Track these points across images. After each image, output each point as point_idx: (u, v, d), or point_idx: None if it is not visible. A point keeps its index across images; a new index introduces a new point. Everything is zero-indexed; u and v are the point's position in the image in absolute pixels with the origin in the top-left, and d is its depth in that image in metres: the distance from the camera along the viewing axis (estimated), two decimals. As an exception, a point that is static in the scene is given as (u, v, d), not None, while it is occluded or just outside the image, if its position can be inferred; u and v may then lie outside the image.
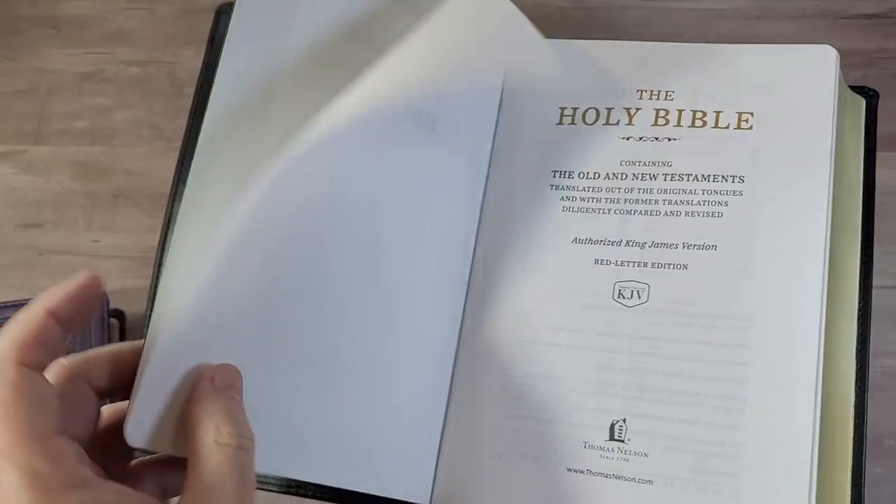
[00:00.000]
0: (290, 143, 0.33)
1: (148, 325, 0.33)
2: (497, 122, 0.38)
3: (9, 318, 0.43)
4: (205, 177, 0.34)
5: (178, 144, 0.53)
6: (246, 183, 0.33)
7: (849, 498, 0.32)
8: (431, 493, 0.34)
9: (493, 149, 0.37)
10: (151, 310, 0.34)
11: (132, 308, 0.48)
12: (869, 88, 0.38)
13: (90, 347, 0.43)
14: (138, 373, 0.30)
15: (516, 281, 0.35)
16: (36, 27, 0.55)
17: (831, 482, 0.32)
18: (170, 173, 0.52)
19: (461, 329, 0.36)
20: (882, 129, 0.51)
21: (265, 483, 0.35)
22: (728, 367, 0.32)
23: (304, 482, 0.34)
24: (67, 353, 0.30)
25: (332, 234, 0.34)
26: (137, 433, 0.30)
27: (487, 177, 0.37)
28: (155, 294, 0.37)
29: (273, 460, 0.32)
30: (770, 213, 0.34)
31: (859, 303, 0.35)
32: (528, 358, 0.34)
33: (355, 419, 0.33)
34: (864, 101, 0.37)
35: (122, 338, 0.47)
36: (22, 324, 0.28)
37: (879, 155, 0.50)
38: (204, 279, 0.31)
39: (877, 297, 0.48)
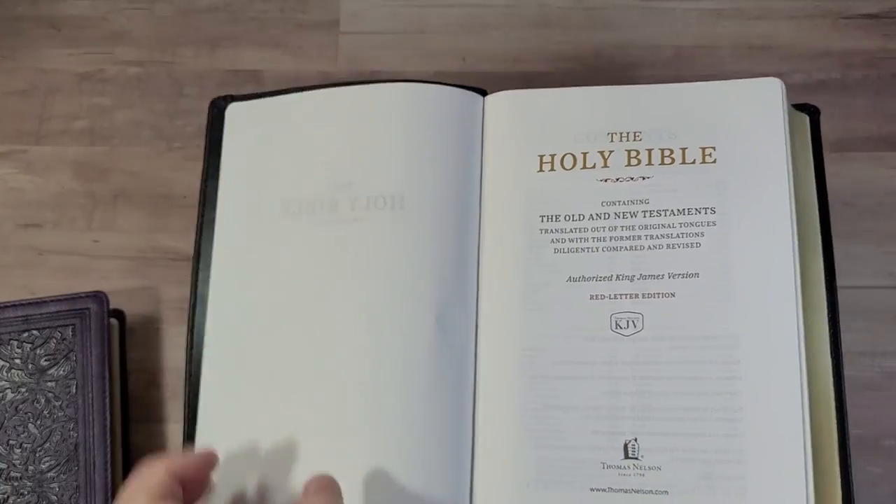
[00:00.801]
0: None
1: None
2: (480, 178, 0.41)
3: (7, 318, 0.44)
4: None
5: (177, 144, 0.53)
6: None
7: (839, 484, 0.35)
8: None
9: (480, 203, 0.41)
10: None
11: (132, 308, 0.48)
12: (811, 105, 0.41)
13: (90, 347, 0.44)
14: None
15: (520, 322, 0.38)
16: (35, 27, 0.55)
17: (821, 472, 0.35)
18: (170, 173, 0.52)
19: (475, 372, 0.39)
20: (883, 129, 0.51)
21: None
22: (722, 382, 0.35)
23: None
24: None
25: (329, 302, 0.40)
26: None
27: (479, 230, 0.40)
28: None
29: None
30: (742, 238, 0.37)
31: (828, 305, 0.38)
32: (542, 391, 0.37)
33: (389, 469, 0.37)
34: (807, 118, 0.41)
35: (122, 337, 0.47)
36: (149, 477, 0.32)
37: (880, 155, 0.51)
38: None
39: (877, 296, 0.48)
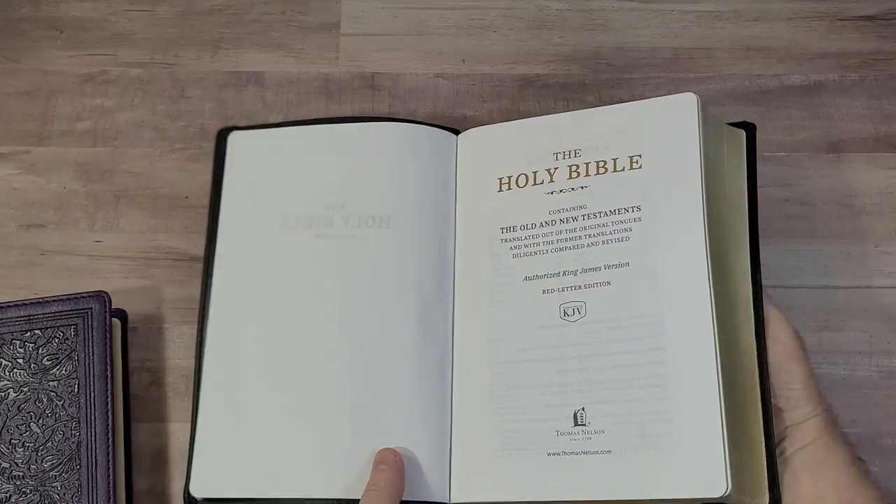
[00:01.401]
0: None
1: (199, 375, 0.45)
2: (455, 202, 0.48)
3: (10, 318, 0.44)
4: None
5: (179, 145, 0.53)
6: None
7: (763, 448, 0.40)
8: (449, 492, 0.43)
9: (455, 220, 0.48)
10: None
11: (134, 308, 0.49)
12: (749, 123, 0.46)
13: (92, 347, 0.44)
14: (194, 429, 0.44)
15: (486, 317, 0.45)
16: (38, 29, 0.56)
17: (748, 436, 0.40)
18: (171, 174, 0.53)
19: (453, 359, 0.45)
20: (880, 130, 0.52)
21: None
22: (651, 354, 0.41)
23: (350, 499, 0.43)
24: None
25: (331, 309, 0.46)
26: (203, 485, 0.43)
27: (455, 241, 0.48)
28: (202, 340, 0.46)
29: (307, 482, 0.43)
30: (663, 231, 0.43)
31: (753, 292, 0.43)
32: (504, 374, 0.44)
33: (384, 441, 0.43)
34: (744, 133, 0.46)
35: (124, 337, 0.48)
36: None
37: (877, 156, 0.51)
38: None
39: (874, 296, 0.49)
